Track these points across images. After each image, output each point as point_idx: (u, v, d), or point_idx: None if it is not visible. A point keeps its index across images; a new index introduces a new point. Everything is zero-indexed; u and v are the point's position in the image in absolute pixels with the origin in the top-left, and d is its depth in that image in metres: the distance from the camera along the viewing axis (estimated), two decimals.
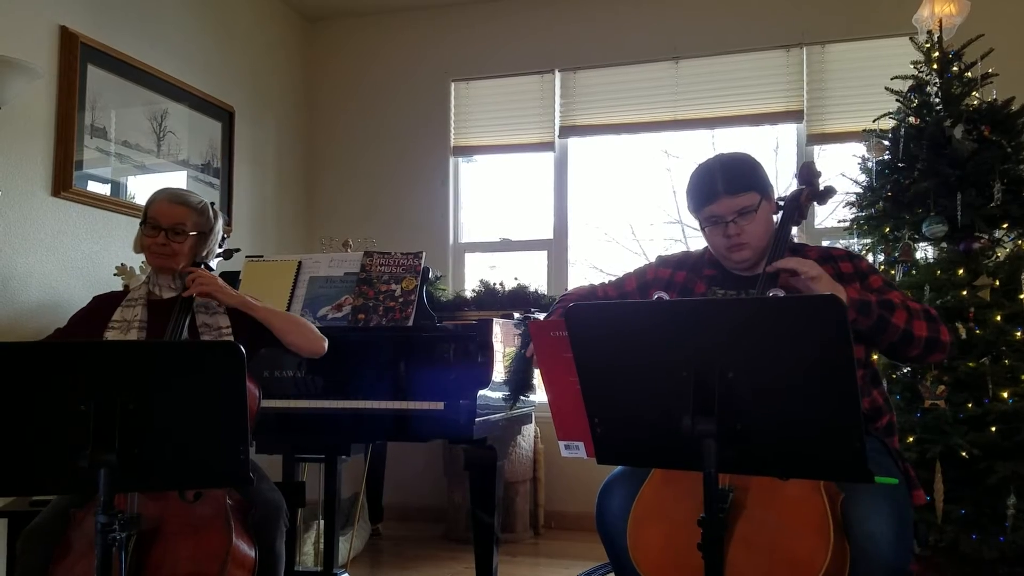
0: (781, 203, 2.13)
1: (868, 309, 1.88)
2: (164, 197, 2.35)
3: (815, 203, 2.19)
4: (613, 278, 2.30)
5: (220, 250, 2.47)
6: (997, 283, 3.17)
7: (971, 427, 3.01)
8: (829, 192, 2.19)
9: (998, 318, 3.10)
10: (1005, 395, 3.01)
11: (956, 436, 2.97)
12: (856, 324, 1.87)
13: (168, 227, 2.30)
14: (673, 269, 2.20)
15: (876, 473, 1.38)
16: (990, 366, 3.05)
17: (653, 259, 2.30)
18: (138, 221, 2.39)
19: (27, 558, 2.00)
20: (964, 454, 2.95)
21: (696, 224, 2.16)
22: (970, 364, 3.05)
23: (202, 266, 2.39)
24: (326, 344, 2.45)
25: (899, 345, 1.92)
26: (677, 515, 1.52)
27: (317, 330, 2.44)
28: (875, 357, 2.10)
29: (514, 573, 3.73)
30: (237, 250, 2.56)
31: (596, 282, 2.31)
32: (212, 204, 2.43)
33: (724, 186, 2.02)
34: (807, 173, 2.17)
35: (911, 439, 3.03)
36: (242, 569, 2.00)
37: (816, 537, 1.58)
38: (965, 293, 3.13)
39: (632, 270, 2.28)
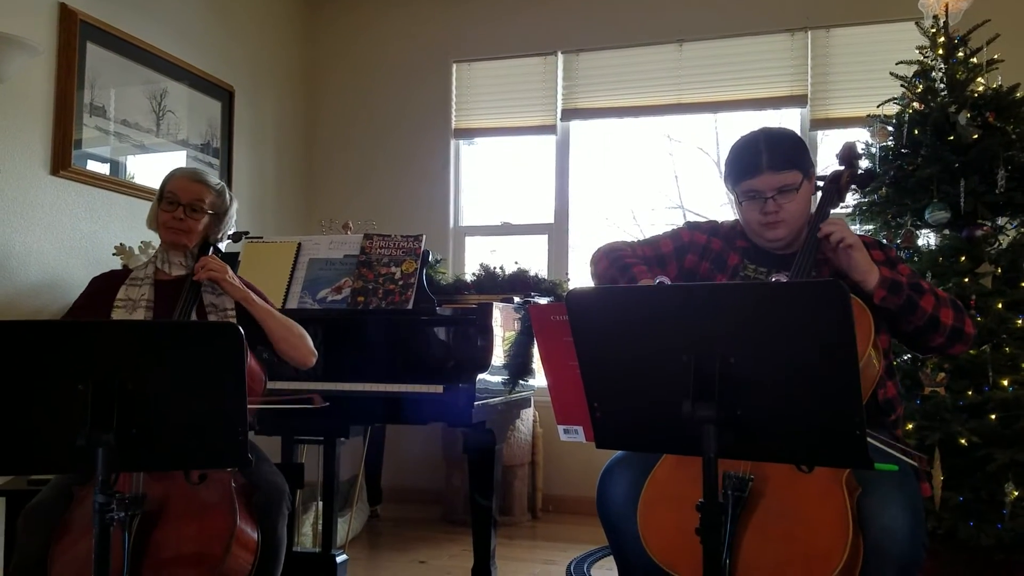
0: (820, 183, 2.10)
1: (899, 289, 1.88)
2: (184, 174, 2.41)
3: (854, 187, 2.14)
4: (645, 238, 2.21)
5: (232, 230, 2.48)
6: (999, 271, 3.15)
7: (971, 415, 3.01)
8: (870, 176, 2.16)
9: (999, 306, 3.08)
10: (1005, 383, 3.00)
11: (956, 424, 2.96)
12: (886, 302, 1.88)
13: (187, 203, 2.34)
14: (708, 236, 2.15)
15: (877, 461, 1.38)
16: (991, 354, 3.04)
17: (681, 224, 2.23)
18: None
19: (27, 536, 1.99)
20: (963, 441, 2.94)
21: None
22: (971, 352, 3.04)
23: (211, 249, 2.39)
24: (314, 360, 2.45)
25: (925, 330, 1.91)
26: (689, 499, 1.51)
27: (311, 343, 2.44)
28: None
29: (512, 556, 3.74)
30: (246, 232, 2.57)
31: (629, 240, 2.19)
32: (228, 188, 2.45)
33: (768, 161, 1.97)
34: (848, 154, 2.12)
35: (911, 426, 3.02)
36: (245, 551, 2.00)
37: (834, 531, 1.57)
38: (967, 280, 3.12)
39: (663, 232, 2.20)
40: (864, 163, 2.16)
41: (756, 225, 2.03)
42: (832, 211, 2.10)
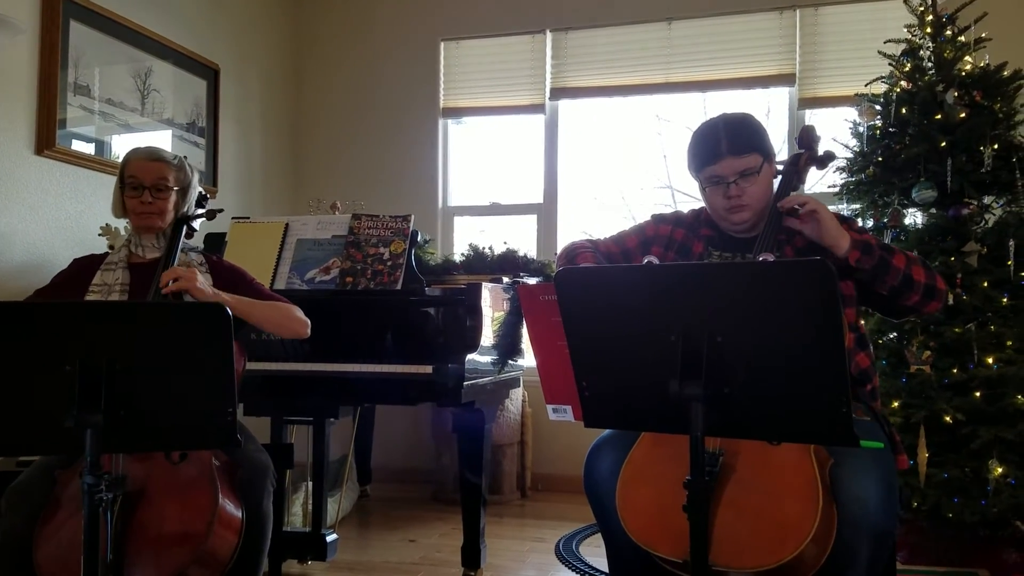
0: (780, 166, 2.12)
1: (870, 249, 1.90)
2: (140, 156, 2.33)
3: (814, 167, 2.17)
4: (611, 235, 2.24)
5: (203, 210, 2.44)
6: (985, 250, 3.17)
7: (956, 392, 3.04)
8: (829, 157, 2.18)
9: (985, 284, 3.10)
10: (990, 361, 3.03)
11: (941, 401, 2.99)
12: (860, 264, 1.90)
13: (151, 185, 2.28)
14: (672, 226, 2.18)
15: (863, 437, 1.39)
16: (976, 332, 3.06)
17: (648, 218, 2.26)
18: (114, 187, 2.35)
19: (11, 516, 2.00)
20: (948, 419, 2.97)
21: (686, 189, 2.15)
22: (956, 330, 3.07)
23: (185, 226, 2.36)
24: (308, 329, 2.43)
25: (900, 289, 1.93)
26: (666, 477, 1.53)
27: (298, 314, 2.41)
28: (862, 322, 2.10)
29: (501, 534, 3.76)
30: (221, 210, 2.53)
31: (596, 237, 2.24)
32: (185, 158, 2.41)
33: (728, 147, 1.99)
34: (807, 137, 2.15)
35: (896, 404, 3.05)
36: (228, 529, 2.00)
37: (805, 501, 1.59)
38: (953, 259, 3.14)
39: (629, 228, 2.24)
40: (836, 141, 2.18)
41: (721, 210, 2.05)
42: (793, 192, 2.13)
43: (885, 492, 1.68)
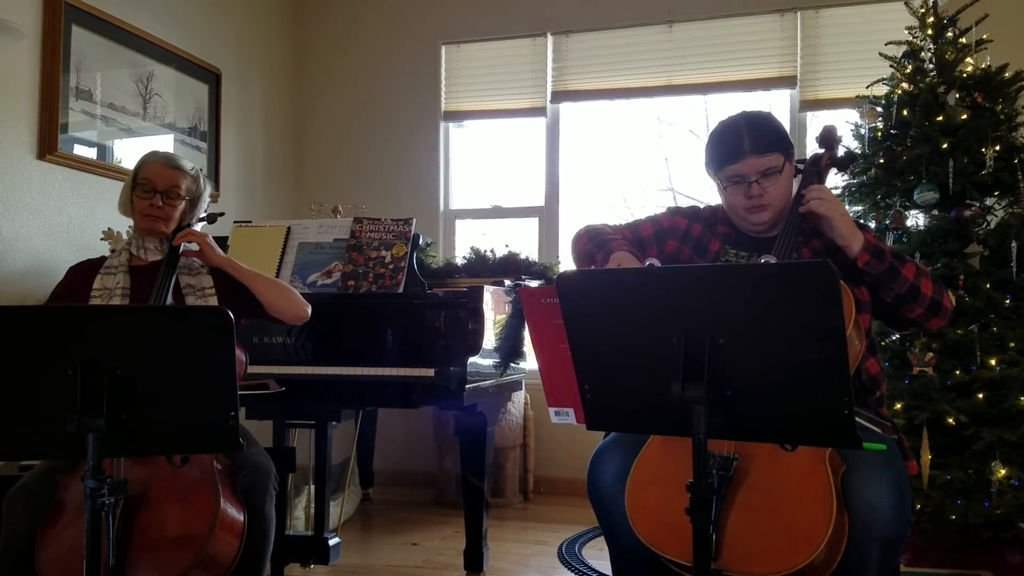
0: (799, 166, 2.10)
1: (882, 255, 1.89)
2: (159, 160, 2.35)
3: (834, 169, 2.15)
4: (624, 223, 2.21)
5: (203, 214, 2.46)
6: (987, 251, 3.17)
7: (958, 394, 3.03)
8: (851, 159, 2.16)
9: (987, 286, 3.10)
10: (993, 362, 3.02)
11: (943, 403, 2.98)
12: (869, 267, 1.88)
13: (164, 190, 2.31)
14: (689, 220, 2.14)
15: (865, 440, 1.39)
16: (979, 333, 3.05)
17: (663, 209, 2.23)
18: (124, 185, 2.36)
19: (13, 519, 2.00)
20: (951, 421, 2.96)
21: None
22: (959, 331, 3.06)
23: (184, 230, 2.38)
24: (309, 310, 2.44)
25: (905, 299, 1.92)
26: (677, 478, 1.53)
27: (299, 295, 2.44)
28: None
29: (504, 537, 3.76)
30: (221, 214, 2.55)
31: (610, 224, 2.19)
32: (202, 170, 2.44)
33: (751, 145, 1.96)
34: (828, 138, 2.12)
35: (899, 406, 3.04)
36: (230, 533, 2.00)
37: (819, 508, 1.58)
38: (955, 261, 3.13)
39: (644, 217, 2.20)
40: (843, 146, 2.16)
41: (741, 210, 2.02)
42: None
43: (897, 499, 1.68)
